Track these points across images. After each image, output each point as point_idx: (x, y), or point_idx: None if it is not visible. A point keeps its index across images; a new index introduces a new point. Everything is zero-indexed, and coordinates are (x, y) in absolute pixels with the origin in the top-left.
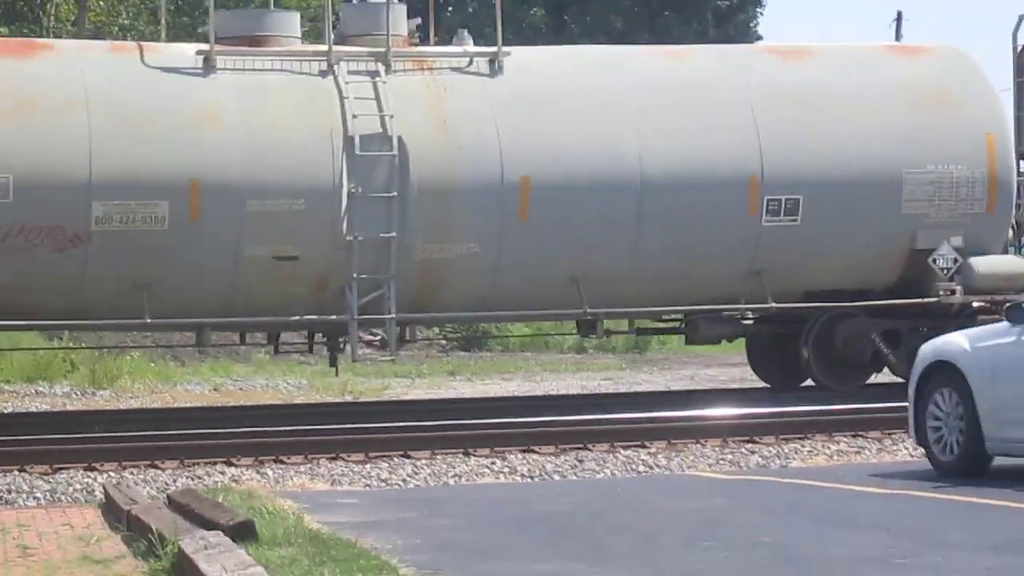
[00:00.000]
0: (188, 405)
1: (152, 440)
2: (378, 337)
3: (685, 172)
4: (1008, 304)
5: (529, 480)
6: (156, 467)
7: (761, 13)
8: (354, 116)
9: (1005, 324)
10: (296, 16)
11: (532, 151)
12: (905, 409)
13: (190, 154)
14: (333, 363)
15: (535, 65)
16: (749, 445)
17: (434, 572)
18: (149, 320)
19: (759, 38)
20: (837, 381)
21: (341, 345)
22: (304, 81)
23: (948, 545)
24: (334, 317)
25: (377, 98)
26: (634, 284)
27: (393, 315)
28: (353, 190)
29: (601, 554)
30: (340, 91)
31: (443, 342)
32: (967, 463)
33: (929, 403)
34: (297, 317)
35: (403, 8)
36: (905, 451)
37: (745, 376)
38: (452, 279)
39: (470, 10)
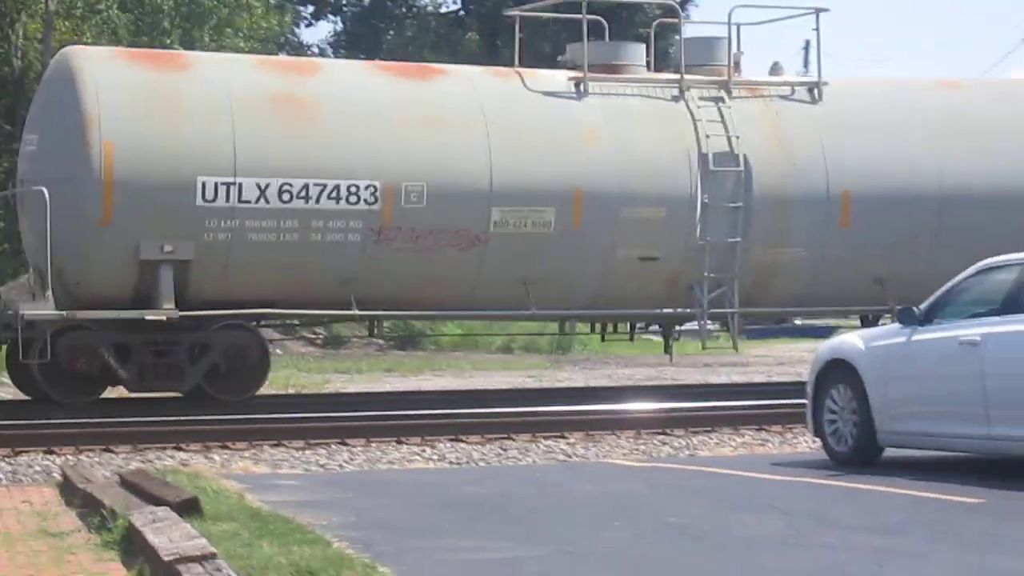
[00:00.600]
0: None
1: (107, 426)
2: (320, 336)
3: (978, 188)
4: (899, 308)
5: (457, 466)
6: (110, 451)
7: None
8: (707, 136)
9: (897, 326)
10: (642, 47)
11: (850, 168)
12: (805, 406)
13: (573, 167)
14: (668, 350)
15: (847, 93)
16: (661, 437)
17: (366, 546)
18: (534, 311)
19: None
20: None
21: (676, 335)
22: (660, 105)
23: (841, 527)
24: (688, 310)
25: (723, 120)
26: (929, 283)
27: (736, 309)
28: (706, 200)
29: (521, 532)
30: (692, 114)
31: (380, 341)
32: (860, 454)
33: (826, 398)
34: (657, 311)
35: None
36: (804, 444)
37: (659, 375)
38: (781, 279)
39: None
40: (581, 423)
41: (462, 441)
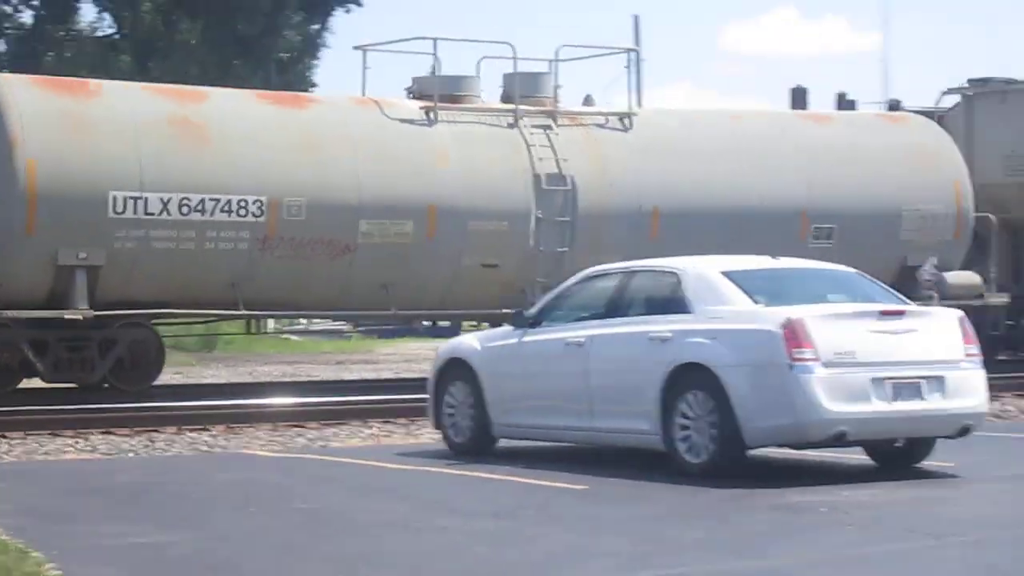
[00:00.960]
0: None
1: None
2: None
3: (760, 204)
4: (512, 311)
5: (108, 457)
6: None
7: (316, 64)
8: (539, 159)
9: (510, 328)
10: (477, 80)
11: (658, 187)
12: (427, 401)
13: (427, 185)
14: None
15: (654, 122)
16: (296, 429)
17: (19, 532)
18: (395, 311)
19: (314, 85)
20: None
21: None
22: (498, 132)
23: (459, 512)
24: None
25: (551, 146)
26: None
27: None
28: (539, 215)
29: (164, 517)
30: (526, 140)
31: None
32: (477, 445)
33: (445, 394)
34: (495, 311)
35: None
36: (427, 435)
37: (296, 372)
38: None
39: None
40: (223, 416)
41: (112, 433)
